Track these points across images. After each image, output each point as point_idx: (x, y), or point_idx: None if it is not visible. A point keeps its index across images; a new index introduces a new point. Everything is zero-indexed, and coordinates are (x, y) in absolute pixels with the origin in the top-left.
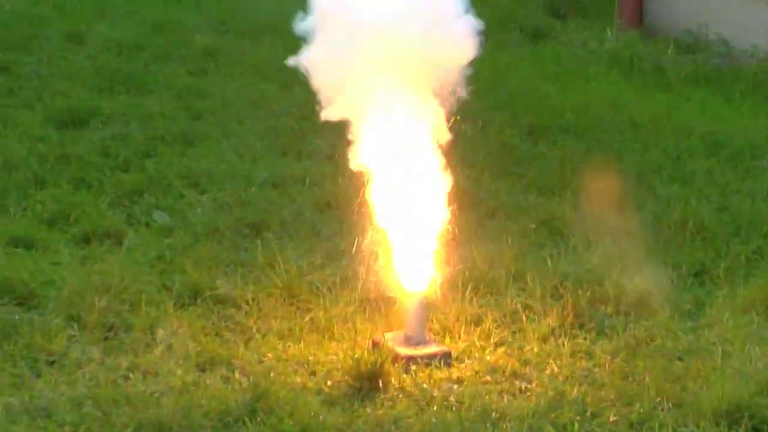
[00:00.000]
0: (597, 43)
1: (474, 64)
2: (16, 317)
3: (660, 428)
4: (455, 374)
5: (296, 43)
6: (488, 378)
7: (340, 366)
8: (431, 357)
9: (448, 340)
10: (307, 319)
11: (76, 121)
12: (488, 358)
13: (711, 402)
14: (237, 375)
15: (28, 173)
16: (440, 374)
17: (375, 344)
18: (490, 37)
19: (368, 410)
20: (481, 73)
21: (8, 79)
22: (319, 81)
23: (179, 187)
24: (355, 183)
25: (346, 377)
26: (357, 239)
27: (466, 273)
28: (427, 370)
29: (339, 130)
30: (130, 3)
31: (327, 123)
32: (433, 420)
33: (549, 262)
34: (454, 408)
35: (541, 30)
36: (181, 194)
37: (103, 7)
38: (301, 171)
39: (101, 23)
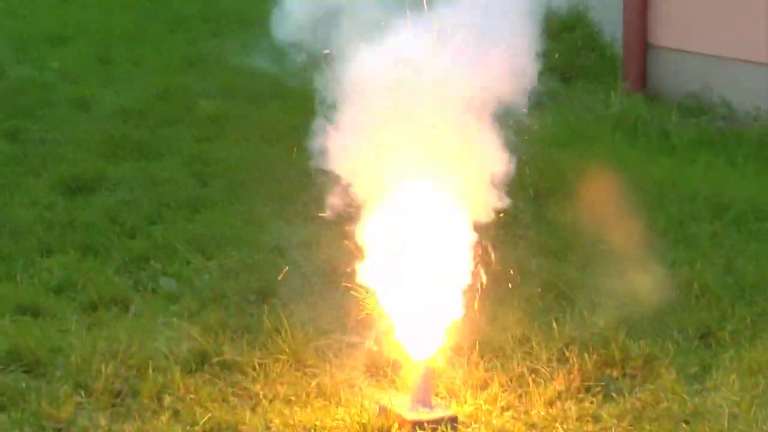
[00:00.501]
0: (602, 106)
1: None
2: (24, 384)
3: None
4: None
5: (301, 107)
6: None
7: (346, 431)
8: (438, 421)
9: (454, 404)
10: (313, 384)
11: (83, 187)
12: (495, 422)
13: None
14: None
15: (34, 240)
16: None
17: (382, 409)
18: None
19: None
20: None
21: (15, 146)
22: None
23: (186, 254)
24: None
25: None
26: (363, 306)
27: (472, 338)
28: None
29: (346, 195)
30: (135, 70)
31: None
32: None
33: (554, 325)
34: None
35: (547, 93)
36: (188, 260)
37: (108, 74)
38: (307, 236)
39: (107, 90)
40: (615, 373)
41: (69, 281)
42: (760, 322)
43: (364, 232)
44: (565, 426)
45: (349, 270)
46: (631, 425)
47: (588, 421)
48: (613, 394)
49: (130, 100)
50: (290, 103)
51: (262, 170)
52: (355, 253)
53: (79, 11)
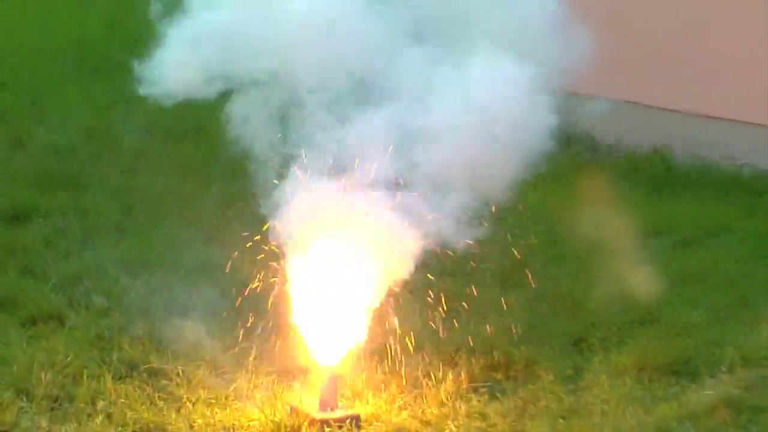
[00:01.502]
0: None
1: None
2: None
3: None
4: None
5: (215, 144)
6: None
7: (262, 429)
8: (343, 420)
9: (357, 404)
10: (231, 388)
11: (20, 216)
12: (394, 420)
13: None
14: None
15: None
16: None
17: (293, 410)
18: None
19: None
20: None
21: None
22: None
23: (114, 274)
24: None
25: None
26: (274, 318)
27: (373, 346)
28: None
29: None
30: (65, 110)
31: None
32: None
33: (443, 334)
34: None
35: None
36: (116, 279)
37: (40, 114)
38: (223, 258)
39: (39, 128)
40: (499, 376)
41: (10, 299)
42: (625, 329)
43: (282, 255)
44: (455, 423)
45: (262, 286)
46: (514, 421)
47: (476, 418)
48: (498, 395)
49: (61, 138)
50: (205, 139)
51: (180, 200)
52: (271, 272)
53: (10, 59)
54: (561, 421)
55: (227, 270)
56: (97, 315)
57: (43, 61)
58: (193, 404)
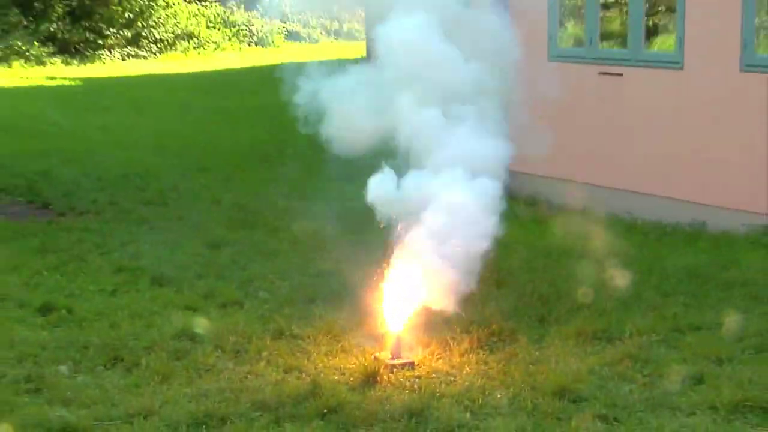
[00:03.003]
0: None
1: None
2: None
3: None
4: (416, 373)
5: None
6: (434, 375)
7: (357, 370)
8: (403, 365)
9: (412, 355)
10: (338, 346)
11: (218, 244)
12: (433, 365)
13: None
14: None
15: (192, 270)
16: (408, 373)
17: (375, 358)
18: None
19: (372, 392)
20: None
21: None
22: None
23: (271, 278)
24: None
25: (359, 375)
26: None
27: (422, 320)
28: (402, 371)
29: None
30: (243, 183)
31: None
32: (405, 395)
33: (463, 313)
34: (414, 389)
35: None
36: (273, 282)
37: (229, 185)
38: (341, 267)
39: (228, 194)
40: (495, 339)
41: (210, 292)
42: (570, 312)
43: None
44: (469, 366)
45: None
46: (504, 366)
47: (482, 364)
48: (494, 350)
49: (240, 199)
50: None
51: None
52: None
53: (213, 154)
54: (531, 366)
55: (343, 274)
56: (262, 302)
57: (230, 154)
58: (317, 355)
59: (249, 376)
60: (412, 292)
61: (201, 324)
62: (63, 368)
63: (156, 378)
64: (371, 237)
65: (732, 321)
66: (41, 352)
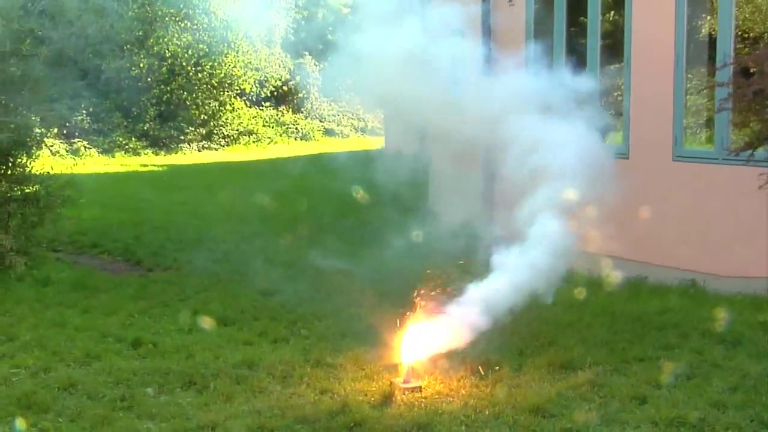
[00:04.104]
0: None
1: None
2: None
3: None
4: (423, 395)
5: None
6: (436, 396)
7: (376, 392)
8: (414, 389)
9: (420, 381)
10: (363, 372)
11: (271, 293)
12: (436, 387)
13: None
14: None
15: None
16: (416, 395)
17: (391, 383)
18: None
19: (389, 410)
20: None
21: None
22: None
23: (312, 317)
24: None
25: (379, 396)
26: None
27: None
28: (412, 393)
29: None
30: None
31: None
32: (414, 412)
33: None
34: (422, 408)
35: None
36: (312, 320)
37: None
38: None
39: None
40: (482, 369)
41: (265, 332)
42: (540, 348)
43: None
44: (464, 390)
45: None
46: (491, 389)
47: (474, 387)
48: (484, 377)
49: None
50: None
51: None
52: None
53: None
54: (512, 389)
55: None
56: (303, 338)
57: (280, 223)
58: (346, 380)
59: (293, 397)
60: (424, 335)
61: (257, 355)
62: (149, 390)
63: (221, 398)
64: (393, 288)
65: (667, 355)
66: (132, 377)
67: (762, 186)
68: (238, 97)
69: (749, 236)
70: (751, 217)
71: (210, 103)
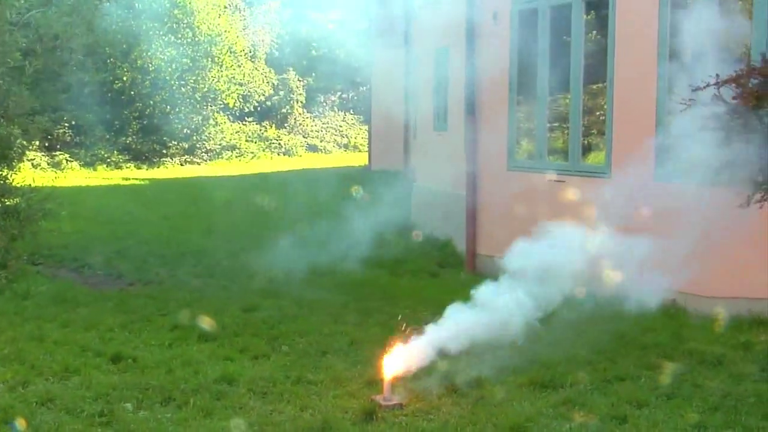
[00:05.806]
0: (458, 278)
1: None
2: None
3: None
4: (404, 412)
5: None
6: (417, 414)
7: (358, 408)
8: (395, 406)
9: (401, 397)
10: (346, 389)
11: (252, 309)
12: (416, 405)
13: None
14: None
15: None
16: (397, 412)
17: (372, 400)
18: None
19: (369, 427)
20: None
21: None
22: None
23: (292, 335)
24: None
25: (359, 413)
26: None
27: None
28: (393, 411)
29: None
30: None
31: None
32: (395, 430)
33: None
34: (402, 425)
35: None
36: (295, 337)
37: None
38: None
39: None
40: (465, 385)
41: (249, 349)
42: (522, 369)
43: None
44: (445, 408)
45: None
46: (472, 407)
47: (455, 405)
48: (465, 394)
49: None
50: None
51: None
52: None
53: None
54: (493, 407)
55: (349, 334)
56: (284, 355)
57: (264, 239)
58: (327, 397)
59: (273, 413)
60: (404, 353)
61: (237, 371)
62: (128, 405)
63: (201, 414)
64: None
65: (648, 374)
66: (111, 392)
67: (741, 205)
68: (221, 111)
69: (730, 256)
70: (728, 237)
71: (193, 118)
